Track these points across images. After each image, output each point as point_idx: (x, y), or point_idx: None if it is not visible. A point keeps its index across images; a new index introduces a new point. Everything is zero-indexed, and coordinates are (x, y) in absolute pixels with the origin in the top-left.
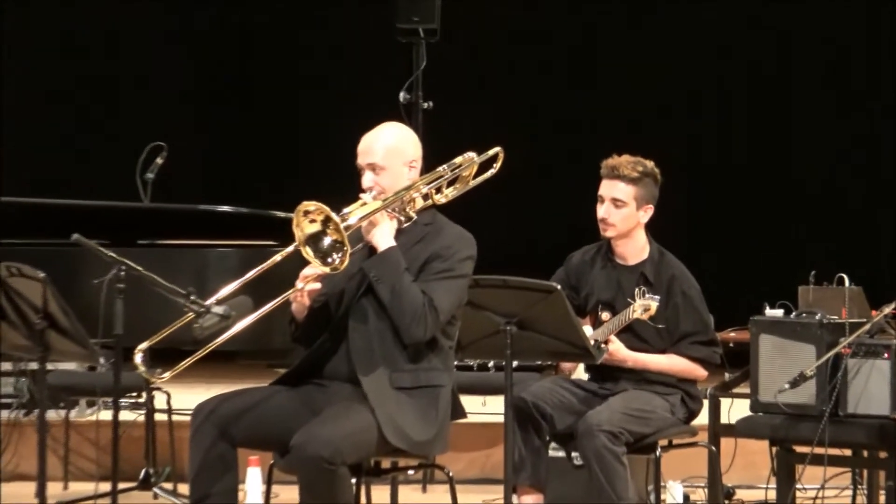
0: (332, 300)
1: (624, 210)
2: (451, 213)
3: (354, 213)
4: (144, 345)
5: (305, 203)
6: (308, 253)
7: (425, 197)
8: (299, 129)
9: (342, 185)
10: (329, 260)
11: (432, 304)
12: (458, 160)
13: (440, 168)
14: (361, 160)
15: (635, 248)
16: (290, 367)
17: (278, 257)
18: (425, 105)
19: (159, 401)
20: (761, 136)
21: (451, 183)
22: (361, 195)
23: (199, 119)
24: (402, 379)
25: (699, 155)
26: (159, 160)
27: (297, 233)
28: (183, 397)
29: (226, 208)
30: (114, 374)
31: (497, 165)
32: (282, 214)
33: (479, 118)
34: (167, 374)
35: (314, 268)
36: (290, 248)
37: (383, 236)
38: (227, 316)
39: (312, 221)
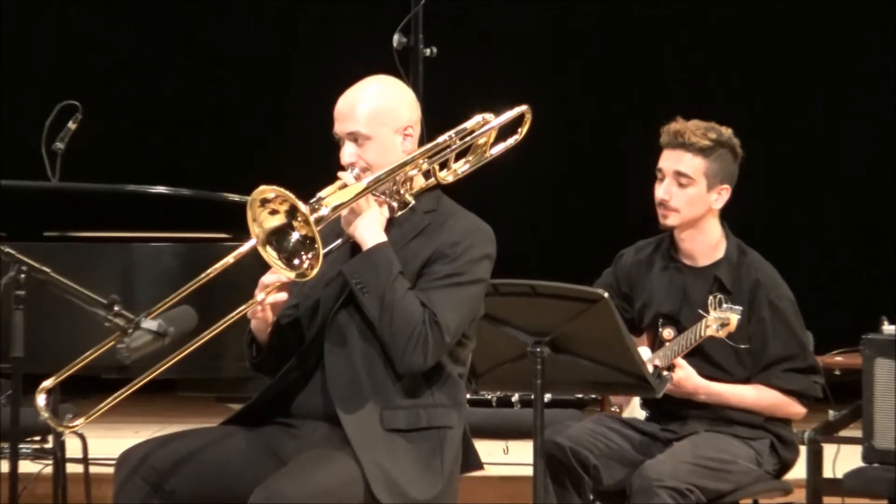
0: (303, 315)
1: (691, 190)
2: (459, 196)
3: (330, 200)
4: (49, 382)
5: (263, 188)
6: (269, 254)
7: (426, 175)
8: (258, 87)
9: (314, 161)
10: (296, 262)
11: (435, 320)
12: (469, 124)
13: (445, 136)
14: (339, 128)
15: (707, 244)
16: (247, 402)
17: (230, 259)
18: (427, 51)
19: (72, 447)
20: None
21: (460, 155)
22: (340, 174)
23: (127, 73)
24: (396, 418)
25: (780, 124)
26: (72, 125)
27: (254, 229)
28: (103, 442)
29: (161, 189)
30: (10, 411)
31: (522, 130)
32: (235, 198)
33: (498, 68)
34: (80, 421)
35: (278, 273)
36: (245, 248)
37: (369, 229)
38: (163, 333)
39: (273, 213)
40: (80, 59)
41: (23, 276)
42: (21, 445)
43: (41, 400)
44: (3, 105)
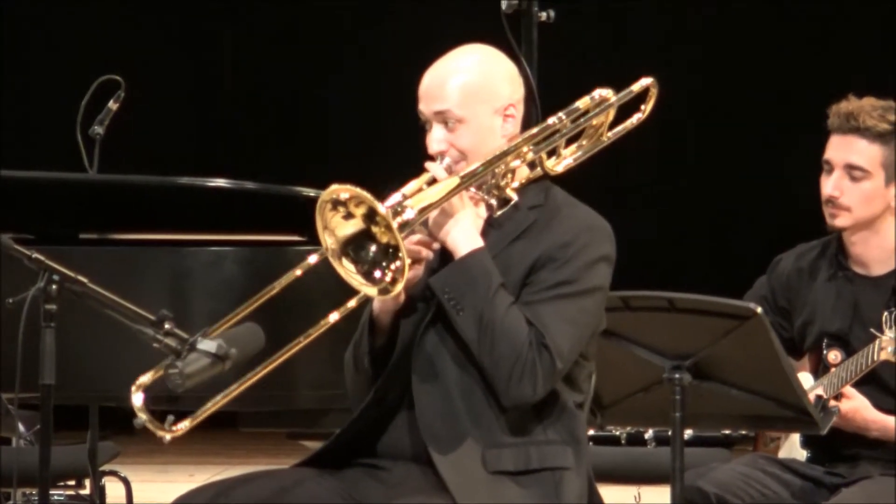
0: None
1: (865, 184)
2: (567, 187)
3: (416, 200)
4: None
5: (334, 188)
6: (346, 269)
7: (532, 165)
8: (332, 62)
9: (402, 152)
10: (377, 276)
11: (543, 343)
12: (581, 103)
13: (554, 118)
14: (426, 107)
15: (883, 249)
16: (326, 440)
17: (297, 272)
18: (542, 15)
19: (113, 492)
20: None
21: (572, 140)
22: (428, 165)
23: (178, 46)
24: (501, 458)
25: None
26: (113, 105)
27: (325, 239)
28: (151, 487)
29: (221, 182)
30: (39, 449)
31: (646, 108)
32: (311, 193)
33: (622, 35)
34: (185, 424)
35: (356, 287)
36: (313, 260)
37: (463, 233)
38: (223, 356)
39: (348, 217)
40: (123, 29)
41: (54, 287)
42: (53, 491)
43: (138, 399)
44: (30, 82)
